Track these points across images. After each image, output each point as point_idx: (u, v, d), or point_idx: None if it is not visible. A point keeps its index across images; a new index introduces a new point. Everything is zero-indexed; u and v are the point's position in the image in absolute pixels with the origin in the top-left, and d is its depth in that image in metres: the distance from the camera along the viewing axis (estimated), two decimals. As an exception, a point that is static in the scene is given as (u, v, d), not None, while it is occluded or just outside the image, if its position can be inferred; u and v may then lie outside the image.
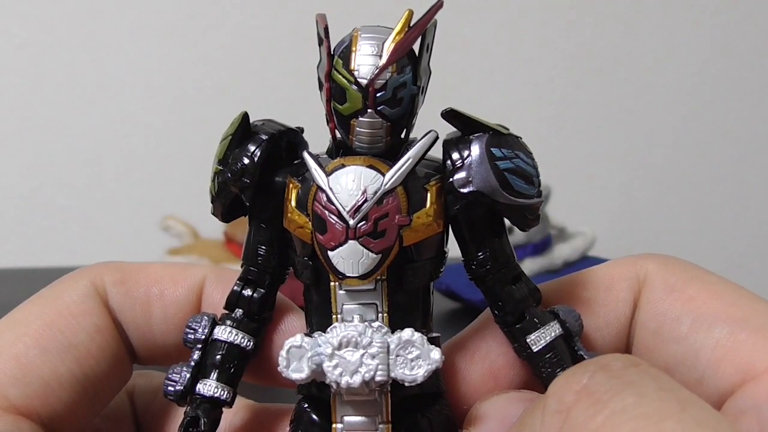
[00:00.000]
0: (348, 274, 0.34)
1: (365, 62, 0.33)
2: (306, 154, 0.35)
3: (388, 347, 0.34)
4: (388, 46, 0.33)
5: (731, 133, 1.48)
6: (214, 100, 1.34)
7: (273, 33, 1.35)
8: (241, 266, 0.38)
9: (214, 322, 0.38)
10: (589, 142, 1.44)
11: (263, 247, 0.37)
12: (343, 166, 0.34)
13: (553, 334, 0.36)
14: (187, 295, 0.39)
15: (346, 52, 0.34)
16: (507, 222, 0.37)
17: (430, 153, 0.35)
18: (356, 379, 0.33)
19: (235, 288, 0.38)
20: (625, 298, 0.37)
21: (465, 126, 0.35)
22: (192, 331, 0.38)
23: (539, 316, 0.36)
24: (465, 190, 0.34)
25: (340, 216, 0.34)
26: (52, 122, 1.33)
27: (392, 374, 0.34)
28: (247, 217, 0.38)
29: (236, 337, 0.37)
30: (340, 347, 0.34)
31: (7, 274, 1.19)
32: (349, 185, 0.34)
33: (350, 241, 0.34)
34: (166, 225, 1.06)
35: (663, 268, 0.37)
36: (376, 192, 0.34)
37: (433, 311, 0.37)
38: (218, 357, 0.37)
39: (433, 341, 0.35)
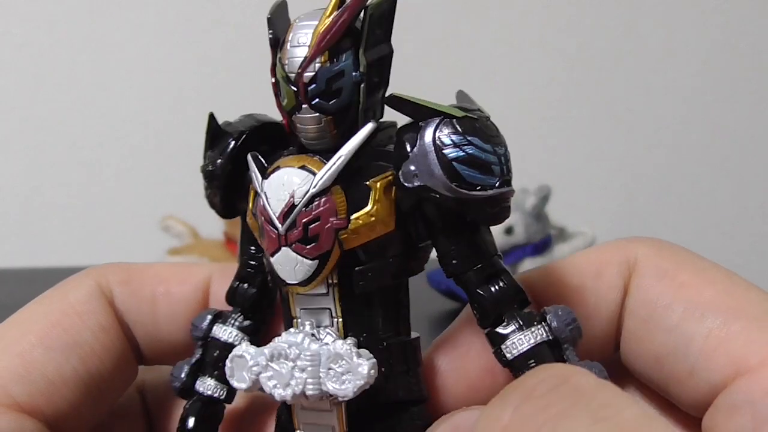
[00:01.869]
0: (288, 281, 0.32)
1: (294, 54, 0.31)
2: (249, 156, 0.33)
3: (321, 359, 0.31)
4: (314, 35, 0.30)
5: (731, 133, 1.48)
6: (214, 100, 1.33)
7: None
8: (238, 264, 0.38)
9: (215, 318, 0.37)
10: (589, 142, 1.44)
11: (251, 247, 0.36)
12: (278, 168, 0.32)
13: (533, 341, 0.31)
14: (194, 293, 0.39)
15: (282, 43, 0.32)
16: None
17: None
18: (288, 392, 0.32)
19: (233, 285, 0.37)
20: (616, 284, 0.35)
21: (413, 112, 0.31)
22: (194, 327, 0.37)
23: (521, 318, 0.32)
24: (410, 185, 0.31)
25: (272, 222, 0.32)
26: (52, 122, 1.33)
27: (324, 388, 0.31)
28: None
29: (230, 335, 0.37)
30: (272, 359, 0.32)
31: (7, 274, 1.19)
32: (278, 190, 0.32)
33: (283, 248, 0.32)
34: (166, 225, 1.06)
35: (654, 252, 0.35)
36: (305, 195, 0.31)
37: (407, 314, 0.34)
38: (215, 355, 0.37)
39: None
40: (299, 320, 0.33)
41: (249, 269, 0.37)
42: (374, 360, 0.31)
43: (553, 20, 1.42)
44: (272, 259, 0.32)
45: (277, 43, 0.32)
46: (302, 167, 0.32)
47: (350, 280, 0.32)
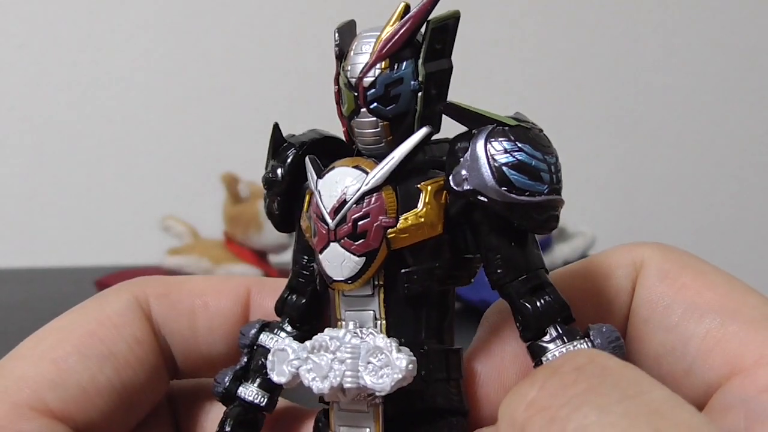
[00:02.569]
0: (334, 278, 0.33)
1: (356, 61, 0.32)
2: (307, 159, 0.34)
3: (360, 353, 0.32)
4: (376, 42, 0.32)
5: (731, 133, 1.48)
6: (214, 100, 1.34)
7: (273, 33, 1.35)
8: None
9: (263, 327, 0.38)
10: (589, 142, 1.44)
11: (304, 256, 0.37)
12: (333, 168, 0.33)
13: None
14: (232, 307, 0.40)
15: (346, 53, 0.33)
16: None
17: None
18: (325, 385, 0.32)
19: (283, 295, 0.38)
20: (624, 286, 0.36)
21: (467, 120, 0.33)
22: (242, 336, 0.38)
23: (564, 333, 0.32)
24: (460, 189, 0.31)
25: (323, 218, 0.33)
26: (52, 122, 1.33)
27: (361, 382, 0.32)
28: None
29: (277, 343, 0.36)
30: (312, 351, 0.32)
31: (7, 274, 1.20)
32: (332, 187, 0.33)
33: (332, 244, 0.33)
34: (166, 225, 1.06)
35: (659, 255, 0.36)
36: (356, 192, 0.32)
37: (452, 323, 0.34)
38: (261, 363, 0.37)
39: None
40: (344, 322, 0.34)
41: (300, 279, 0.37)
42: (413, 357, 0.32)
43: (553, 20, 1.42)
44: (321, 256, 0.33)
45: (341, 55, 0.33)
46: (356, 167, 0.33)
47: (396, 283, 0.33)
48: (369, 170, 0.32)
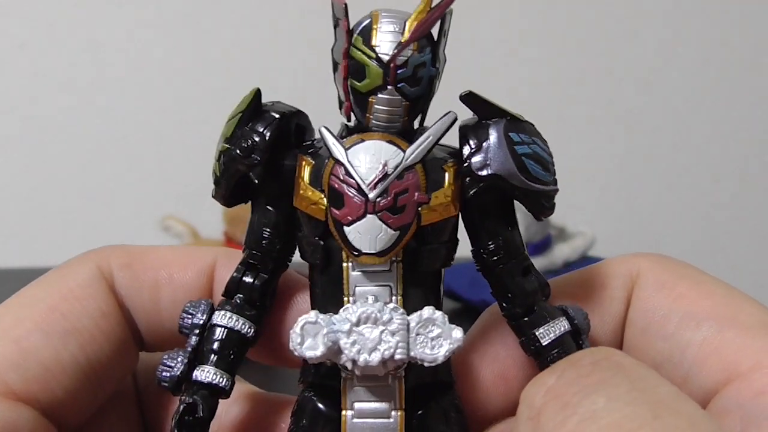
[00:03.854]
0: (364, 251, 0.33)
1: (387, 39, 0.33)
2: (323, 129, 0.35)
3: (408, 325, 0.33)
4: (410, 24, 0.33)
5: (731, 133, 1.48)
6: (214, 100, 1.33)
7: (273, 33, 1.34)
8: (243, 251, 0.37)
9: (212, 308, 0.36)
10: (590, 141, 1.44)
11: (267, 230, 0.36)
12: (362, 140, 0.34)
13: (561, 329, 0.35)
14: (197, 279, 0.38)
15: (366, 29, 0.33)
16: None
17: (443, 140, 0.34)
18: (375, 357, 0.32)
19: (235, 274, 0.37)
20: (619, 296, 0.37)
21: (483, 110, 0.35)
22: (189, 315, 0.36)
23: (548, 310, 0.35)
24: (483, 173, 0.34)
25: (359, 189, 0.33)
26: (52, 122, 1.33)
27: (412, 353, 0.33)
28: (249, 206, 0.37)
29: (236, 322, 0.36)
30: (358, 323, 0.33)
31: (7, 274, 1.19)
32: (369, 159, 0.33)
33: (369, 216, 0.33)
34: (166, 225, 1.06)
35: (655, 266, 0.37)
36: (397, 166, 0.33)
37: (442, 299, 0.36)
38: (217, 343, 0.36)
39: None
40: (353, 298, 0.34)
41: (261, 255, 0.36)
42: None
43: (554, 20, 1.42)
44: (348, 229, 0.33)
45: (348, 28, 0.34)
46: (390, 142, 0.34)
47: (413, 259, 0.34)
48: (403, 147, 0.33)
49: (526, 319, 0.35)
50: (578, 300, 0.37)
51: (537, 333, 0.35)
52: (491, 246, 0.35)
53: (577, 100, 1.44)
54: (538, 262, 1.02)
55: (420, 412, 0.35)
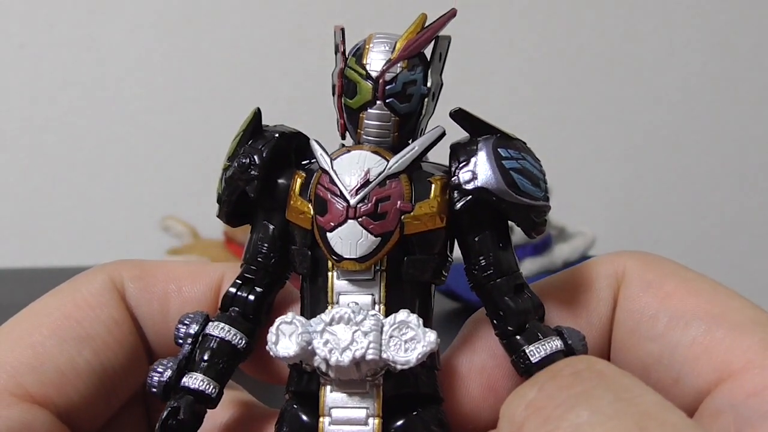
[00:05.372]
0: (345, 256, 0.33)
1: (377, 57, 0.34)
2: (313, 141, 0.35)
3: (382, 327, 0.33)
4: (400, 44, 0.34)
5: (731, 133, 1.48)
6: (214, 100, 1.33)
7: (273, 33, 1.35)
8: (241, 266, 0.38)
9: (207, 319, 0.37)
10: (589, 142, 1.44)
11: (264, 245, 0.37)
12: (348, 151, 0.35)
13: (553, 348, 0.34)
14: (205, 293, 0.39)
15: (360, 50, 0.35)
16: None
17: (436, 159, 0.35)
18: (346, 357, 0.32)
19: (231, 289, 0.37)
20: (605, 297, 0.36)
21: (473, 127, 0.35)
22: (184, 326, 0.37)
23: (541, 329, 0.35)
24: (470, 186, 0.34)
25: (341, 196, 0.34)
26: (52, 122, 1.33)
27: (384, 355, 0.32)
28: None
29: (228, 333, 0.36)
30: (331, 323, 0.33)
31: (7, 274, 1.20)
32: (352, 166, 0.34)
33: (350, 221, 0.33)
34: (166, 225, 1.06)
35: (640, 265, 0.36)
36: (379, 174, 0.34)
37: (432, 315, 0.36)
38: (208, 352, 0.36)
39: None
40: (337, 306, 0.34)
41: (257, 269, 0.37)
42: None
43: (553, 20, 1.42)
44: (331, 234, 0.34)
45: (350, 51, 0.35)
46: (375, 152, 0.34)
47: (398, 268, 0.34)
48: (387, 157, 0.34)
49: (517, 336, 0.34)
50: (564, 303, 0.37)
51: (527, 350, 0.34)
52: (482, 261, 0.35)
53: (577, 100, 1.44)
54: (538, 262, 1.02)
55: (399, 423, 0.34)
